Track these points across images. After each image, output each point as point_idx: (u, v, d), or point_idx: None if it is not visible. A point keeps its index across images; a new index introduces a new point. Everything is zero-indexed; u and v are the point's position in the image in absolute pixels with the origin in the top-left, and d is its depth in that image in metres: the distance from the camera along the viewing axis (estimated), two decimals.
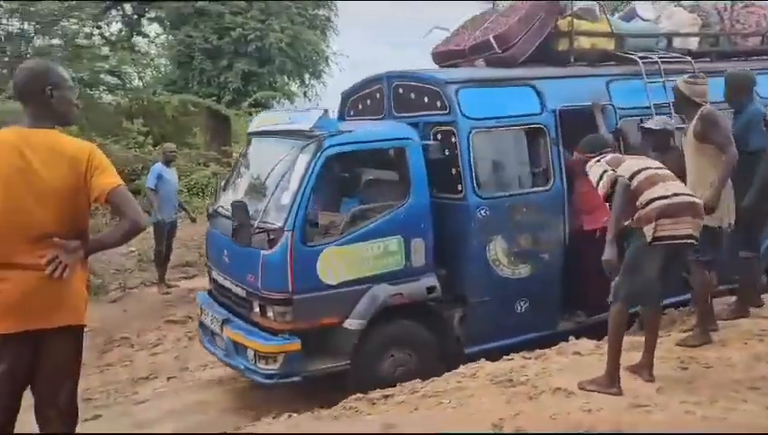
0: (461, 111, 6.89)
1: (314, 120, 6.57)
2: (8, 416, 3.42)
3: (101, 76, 19.31)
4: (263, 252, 6.38)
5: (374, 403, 5.56)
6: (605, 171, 5.15)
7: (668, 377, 5.16)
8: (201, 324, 7.45)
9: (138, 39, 23.74)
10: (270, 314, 6.40)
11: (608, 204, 5.20)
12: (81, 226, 3.47)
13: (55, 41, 19.72)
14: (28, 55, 18.23)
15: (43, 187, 3.32)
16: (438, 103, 7.05)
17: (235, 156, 15.05)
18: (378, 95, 7.83)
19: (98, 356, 8.72)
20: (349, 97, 8.41)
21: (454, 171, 6.92)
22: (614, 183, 5.04)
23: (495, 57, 7.72)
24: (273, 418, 5.76)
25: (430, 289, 6.81)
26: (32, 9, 18.66)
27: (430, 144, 6.93)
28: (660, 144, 6.75)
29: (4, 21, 19.57)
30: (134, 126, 21.17)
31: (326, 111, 6.78)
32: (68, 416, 3.51)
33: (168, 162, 11.52)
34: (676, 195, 4.97)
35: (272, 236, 6.34)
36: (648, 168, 5.16)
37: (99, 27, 22.24)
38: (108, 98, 20.75)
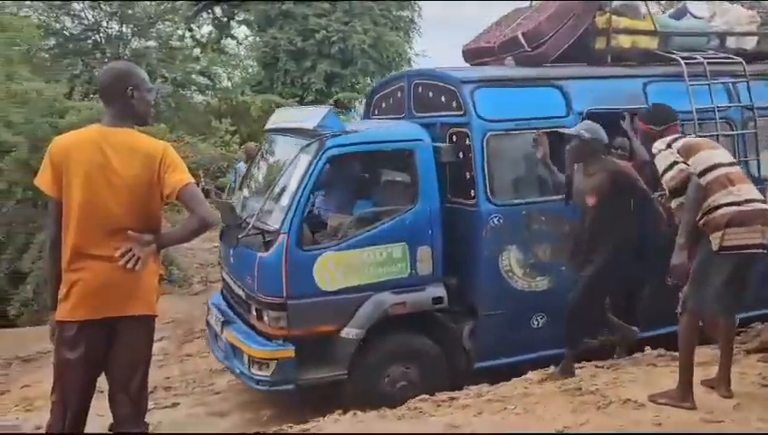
0: (476, 112, 6.36)
1: (319, 118, 6.16)
2: (83, 399, 3.53)
3: (193, 77, 19.65)
4: (259, 254, 6.03)
5: (439, 405, 5.42)
6: (676, 162, 4.66)
7: (748, 393, 4.81)
8: (207, 323, 7.15)
9: (227, 41, 24.06)
10: (265, 318, 6.04)
11: (668, 194, 4.82)
12: (154, 221, 3.54)
13: (151, 43, 20.16)
14: (125, 57, 18.63)
15: (120, 183, 3.41)
16: (454, 103, 6.55)
17: None
18: (399, 94, 7.38)
19: (178, 346, 8.71)
20: (374, 95, 7.99)
21: (468, 176, 6.40)
22: (686, 179, 4.58)
23: (525, 55, 7.14)
24: (340, 415, 5.51)
25: (437, 299, 6.31)
26: (129, 12, 19.09)
27: (442, 146, 6.43)
28: (578, 155, 5.89)
29: (104, 24, 20.10)
30: (222, 125, 21.40)
31: (332, 108, 6.37)
32: (138, 401, 3.59)
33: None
34: (748, 201, 4.53)
35: (268, 239, 5.98)
36: (719, 164, 4.68)
37: (191, 30, 22.69)
38: (198, 98, 21.05)
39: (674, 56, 7.25)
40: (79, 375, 3.46)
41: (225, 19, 23.86)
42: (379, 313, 6.11)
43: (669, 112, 5.40)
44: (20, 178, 10.26)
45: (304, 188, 5.99)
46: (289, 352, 5.93)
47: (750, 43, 7.88)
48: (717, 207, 4.51)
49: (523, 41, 7.06)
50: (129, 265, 3.37)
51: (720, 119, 7.11)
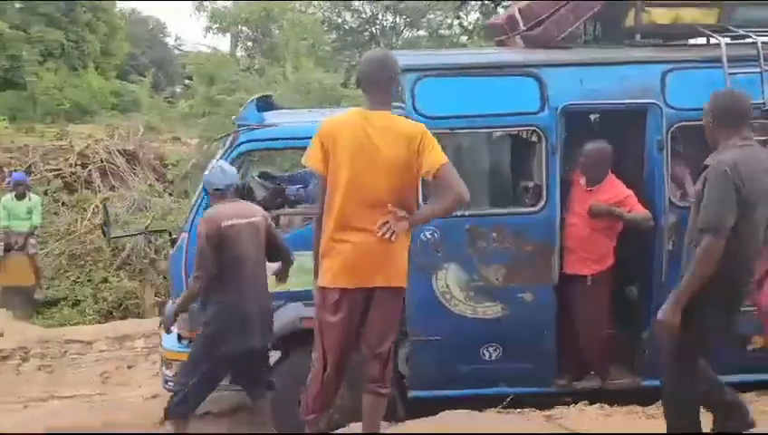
0: (414, 106, 4.99)
1: (241, 111, 5.25)
2: (341, 357, 3.58)
3: None
4: (171, 253, 5.32)
5: None
6: None
7: None
8: None
9: None
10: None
11: None
12: (409, 197, 3.50)
13: (421, 32, 19.92)
14: (398, 47, 18.60)
15: (382, 161, 3.39)
16: (403, 95, 5.19)
17: None
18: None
19: None
20: None
21: None
22: None
23: (528, 35, 5.48)
24: (586, 405, 4.94)
25: None
26: (403, 5, 19.11)
27: None
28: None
29: (380, 16, 20.25)
30: None
31: (253, 100, 5.37)
32: (386, 365, 3.59)
33: None
34: None
35: (174, 237, 5.25)
36: None
37: (458, 18, 21.98)
38: None
39: (712, 34, 5.14)
40: (338, 336, 3.52)
41: (493, 5, 22.76)
42: (288, 325, 5.09)
43: None
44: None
45: None
46: (184, 355, 5.15)
47: None
48: None
49: (518, 17, 5.43)
50: (386, 237, 3.36)
51: None
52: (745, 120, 3.53)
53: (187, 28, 54.64)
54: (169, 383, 5.33)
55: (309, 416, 3.66)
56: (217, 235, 4.43)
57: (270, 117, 5.46)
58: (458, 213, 4.95)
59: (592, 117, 5.81)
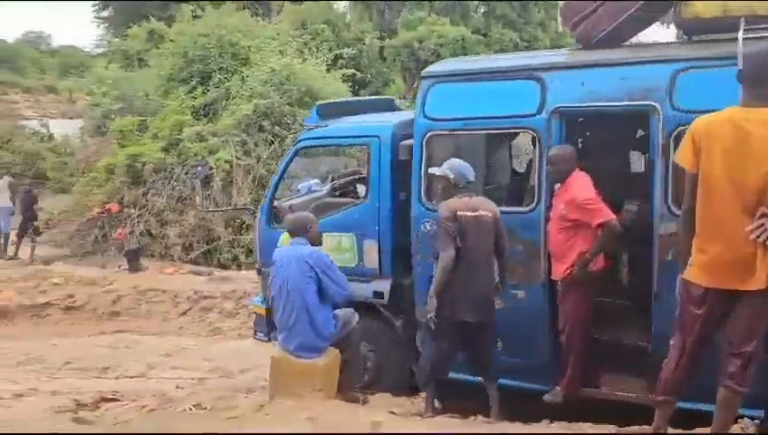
0: (423, 109, 4.99)
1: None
2: (698, 346, 3.33)
3: None
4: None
5: None
6: None
7: None
8: None
9: None
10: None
11: None
12: None
13: None
14: None
15: (759, 158, 3.04)
16: None
17: None
18: None
19: None
20: None
21: None
22: None
23: (575, 34, 5.00)
24: None
25: (377, 294, 5.34)
26: None
27: (402, 144, 5.22)
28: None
29: None
30: None
31: (319, 104, 5.75)
32: (747, 365, 3.21)
33: None
34: None
35: (256, 215, 5.99)
36: None
37: None
38: None
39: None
40: (698, 328, 3.27)
41: None
42: None
43: None
44: None
45: (278, 176, 5.79)
46: (262, 309, 5.86)
47: None
48: None
49: (559, 16, 5.01)
50: (761, 239, 2.99)
51: None
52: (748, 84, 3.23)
53: None
54: (258, 334, 6.06)
55: (660, 397, 3.44)
56: (452, 218, 4.39)
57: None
58: None
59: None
